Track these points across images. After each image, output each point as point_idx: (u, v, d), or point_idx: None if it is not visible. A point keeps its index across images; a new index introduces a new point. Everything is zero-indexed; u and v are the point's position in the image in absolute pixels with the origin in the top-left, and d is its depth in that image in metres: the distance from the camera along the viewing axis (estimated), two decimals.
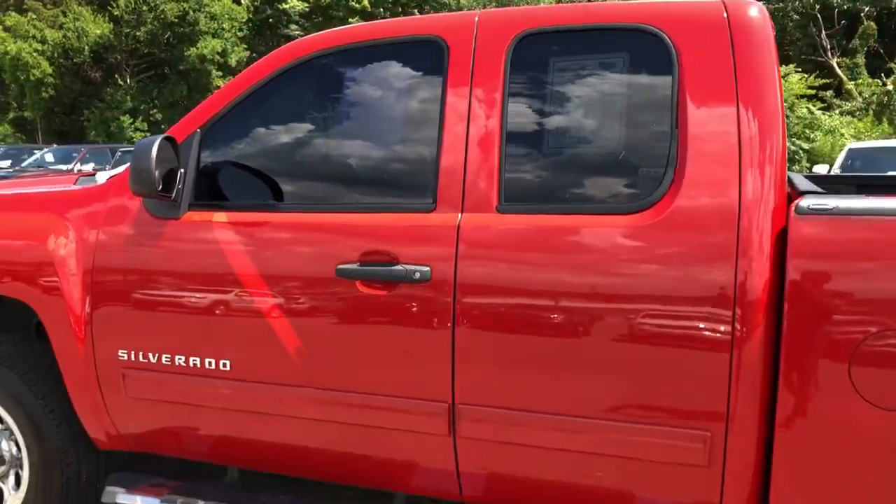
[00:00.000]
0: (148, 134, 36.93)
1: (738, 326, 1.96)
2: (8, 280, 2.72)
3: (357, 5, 40.94)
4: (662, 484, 2.12)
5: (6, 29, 39.66)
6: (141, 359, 2.57)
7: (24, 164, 16.17)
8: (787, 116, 28.50)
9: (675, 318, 2.04)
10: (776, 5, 45.73)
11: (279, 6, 44.24)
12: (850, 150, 11.31)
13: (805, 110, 29.32)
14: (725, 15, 2.14)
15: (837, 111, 34.87)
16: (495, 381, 2.22)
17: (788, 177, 2.42)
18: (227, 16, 41.10)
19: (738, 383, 1.98)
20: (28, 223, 2.76)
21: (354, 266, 2.30)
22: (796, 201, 1.97)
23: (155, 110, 38.80)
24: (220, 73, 39.94)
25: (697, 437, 2.03)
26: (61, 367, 2.70)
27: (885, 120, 31.76)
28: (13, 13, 40.36)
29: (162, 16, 38.93)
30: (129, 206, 2.60)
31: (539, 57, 2.29)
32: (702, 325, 2.00)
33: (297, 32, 44.61)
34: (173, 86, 38.53)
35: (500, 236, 2.22)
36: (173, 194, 2.47)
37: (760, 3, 2.19)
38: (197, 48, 38.87)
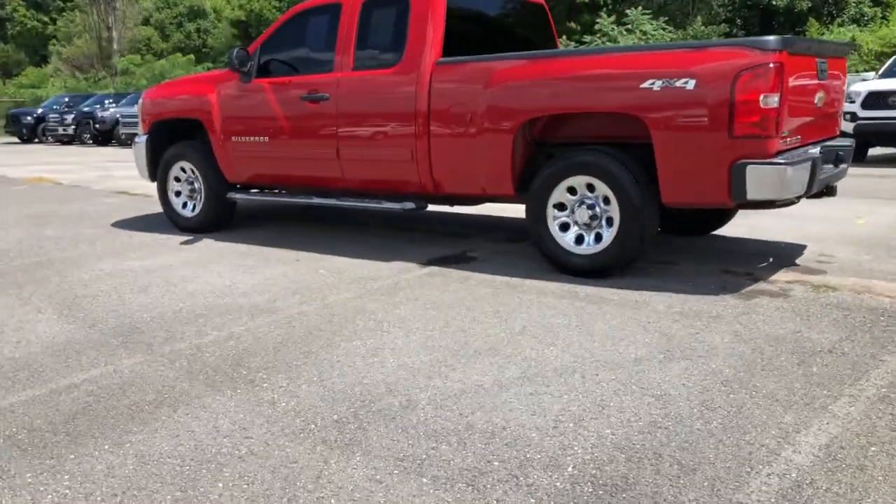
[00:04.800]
0: None
1: (418, 111, 5.44)
2: (196, 112, 6.77)
3: None
4: (401, 168, 5.65)
5: None
6: (240, 139, 6.50)
7: None
8: None
9: (403, 108, 5.55)
10: None
11: None
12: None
13: None
14: None
15: None
16: (352, 134, 5.85)
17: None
18: None
19: (420, 133, 5.46)
20: (201, 87, 6.78)
21: (307, 94, 6.02)
22: (438, 59, 5.41)
23: None
24: None
25: (409, 150, 5.55)
26: (214, 149, 6.70)
27: None
28: None
29: None
30: (233, 78, 6.51)
31: (371, 9, 5.84)
32: (407, 115, 5.50)
33: None
34: None
35: (353, 79, 5.83)
36: (247, 73, 6.33)
37: None
38: None
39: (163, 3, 53.17)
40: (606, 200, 4.85)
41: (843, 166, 5.27)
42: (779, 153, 4.40)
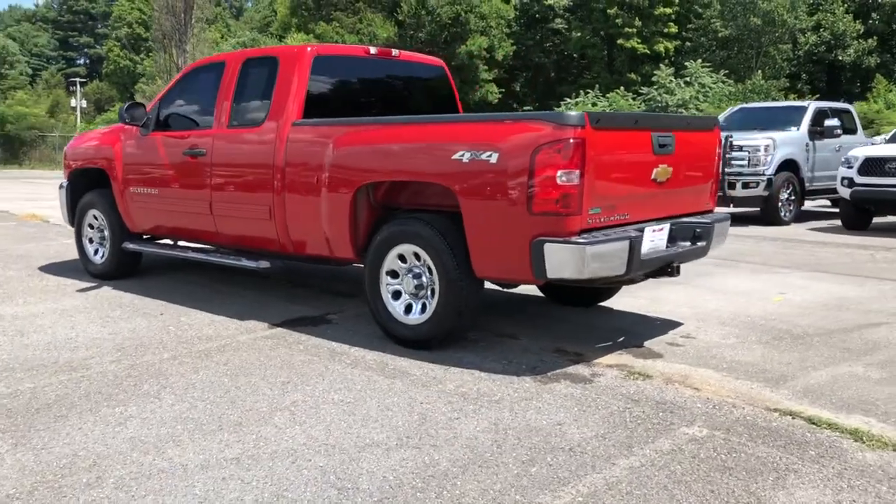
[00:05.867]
0: None
1: (276, 171, 5.42)
2: (99, 161, 6.93)
3: None
4: (262, 226, 5.62)
5: (316, 36, 47.09)
6: (136, 190, 6.60)
7: None
8: None
9: (263, 167, 5.54)
10: None
11: (545, 3, 48.00)
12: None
13: None
14: (296, 51, 5.58)
15: None
16: (222, 191, 5.87)
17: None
18: (495, 14, 45.44)
19: (277, 191, 5.43)
20: (106, 139, 6.94)
21: (188, 150, 6.09)
22: (293, 121, 5.39)
23: None
24: (486, 67, 44.75)
25: (267, 208, 5.52)
26: (116, 198, 6.82)
27: None
28: (322, 23, 47.89)
29: (438, 18, 44.03)
30: (134, 131, 6.63)
31: (248, 69, 5.90)
32: (266, 174, 5.49)
33: (562, 26, 48.36)
34: None
35: (226, 136, 5.86)
36: (146, 125, 6.44)
37: (309, 47, 5.58)
38: (466, 45, 43.55)
39: (240, 45, 55.22)
40: (431, 270, 4.70)
41: (700, 244, 4.99)
42: (587, 231, 4.19)
